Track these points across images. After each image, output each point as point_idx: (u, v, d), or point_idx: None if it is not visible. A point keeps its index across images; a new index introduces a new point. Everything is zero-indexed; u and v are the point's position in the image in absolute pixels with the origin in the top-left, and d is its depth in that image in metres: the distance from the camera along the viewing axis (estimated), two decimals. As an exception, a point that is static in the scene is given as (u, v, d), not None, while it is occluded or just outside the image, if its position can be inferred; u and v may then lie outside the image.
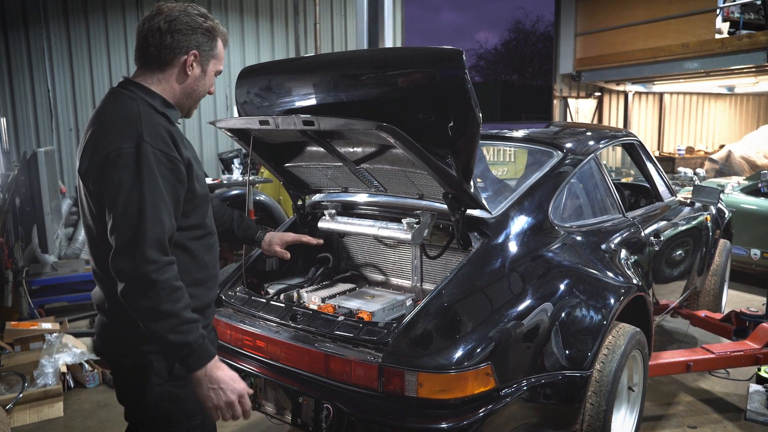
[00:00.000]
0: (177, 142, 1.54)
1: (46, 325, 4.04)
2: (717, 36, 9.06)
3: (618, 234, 2.84)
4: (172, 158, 1.50)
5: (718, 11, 9.17)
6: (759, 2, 10.03)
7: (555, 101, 12.09)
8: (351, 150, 2.43)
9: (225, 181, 6.38)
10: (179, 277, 1.49)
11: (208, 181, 6.14)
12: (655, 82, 11.88)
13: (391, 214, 2.67)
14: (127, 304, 1.45)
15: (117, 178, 1.43)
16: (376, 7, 4.68)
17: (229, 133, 2.47)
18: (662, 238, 3.25)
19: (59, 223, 5.47)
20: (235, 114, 2.69)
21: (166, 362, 1.60)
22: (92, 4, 7.89)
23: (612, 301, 2.36)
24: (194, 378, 1.51)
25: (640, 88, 12.36)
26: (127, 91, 1.58)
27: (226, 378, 1.53)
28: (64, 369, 3.62)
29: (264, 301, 2.49)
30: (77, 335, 4.17)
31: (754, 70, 9.41)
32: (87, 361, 3.71)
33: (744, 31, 9.65)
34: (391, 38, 4.89)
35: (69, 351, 3.68)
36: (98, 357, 1.61)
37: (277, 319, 2.35)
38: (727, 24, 9.77)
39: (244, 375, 2.34)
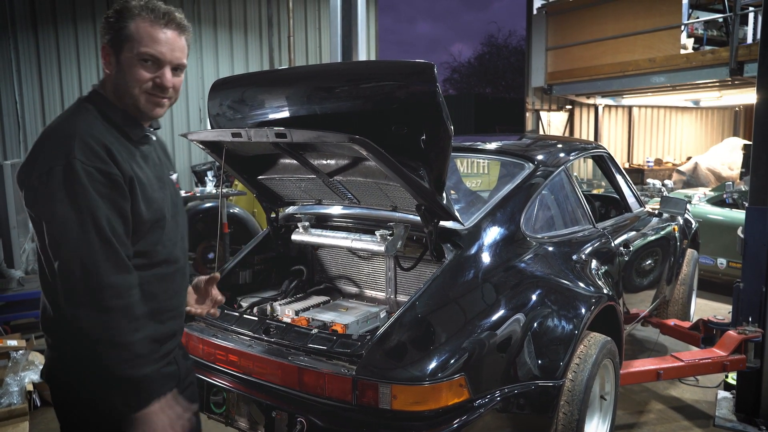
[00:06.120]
0: (116, 158, 1.38)
1: (12, 342, 3.92)
2: (682, 51, 9.34)
3: (589, 244, 2.88)
4: (110, 174, 1.35)
5: (683, 27, 9.45)
6: (721, 20, 10.38)
7: (527, 114, 12.29)
8: (324, 162, 2.43)
9: (198, 194, 6.31)
10: (141, 303, 1.37)
11: (181, 194, 6.05)
12: (624, 96, 12.16)
13: (364, 226, 2.67)
14: (75, 332, 1.32)
15: (50, 204, 1.31)
16: (349, 20, 4.70)
17: (201, 146, 2.45)
18: (632, 249, 3.31)
19: (26, 237, 5.34)
20: (208, 126, 2.67)
21: (108, 403, 1.42)
22: (61, 15, 7.78)
23: (583, 310, 2.39)
24: (142, 416, 1.37)
25: (609, 101, 12.64)
26: (86, 101, 1.49)
27: (174, 417, 1.41)
28: (30, 387, 3.51)
29: (237, 314, 2.47)
30: (45, 352, 4.06)
31: (717, 84, 9.70)
32: (54, 379, 3.61)
33: (708, 47, 9.96)
34: (365, 51, 4.91)
35: (36, 368, 3.57)
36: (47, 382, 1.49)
37: (251, 333, 2.33)
38: (692, 40, 10.08)
39: (216, 390, 2.31)
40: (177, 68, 1.49)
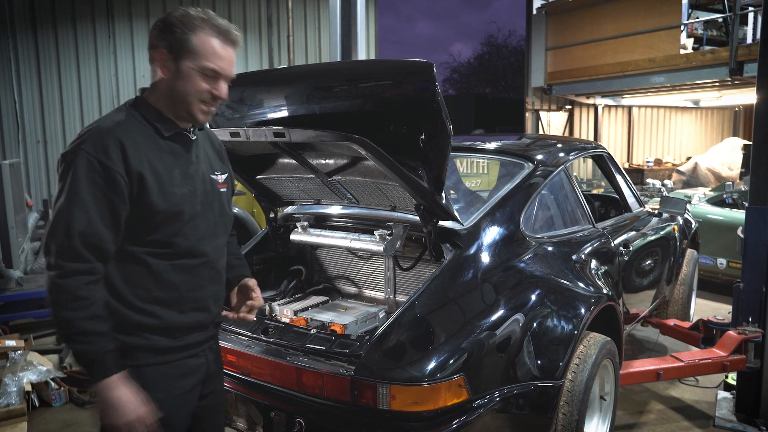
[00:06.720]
0: (127, 154, 1.47)
1: (10, 342, 3.92)
2: (682, 51, 9.33)
3: (588, 244, 2.88)
4: (109, 168, 1.45)
5: (682, 27, 9.44)
6: (720, 20, 10.38)
7: (527, 114, 12.28)
8: (323, 162, 2.42)
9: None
10: (90, 288, 1.45)
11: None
12: (624, 96, 12.16)
13: (363, 225, 2.67)
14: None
15: (59, 182, 1.49)
16: (349, 20, 4.69)
17: (199, 145, 2.44)
18: (631, 248, 3.31)
19: (25, 237, 5.33)
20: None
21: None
22: (61, 16, 7.77)
23: (583, 310, 2.38)
24: (95, 390, 1.47)
25: (609, 101, 12.63)
26: (128, 104, 1.60)
27: (125, 399, 1.46)
28: (28, 387, 3.51)
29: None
30: (43, 352, 4.06)
31: (717, 84, 9.70)
32: (53, 379, 3.61)
33: (707, 47, 9.96)
34: (364, 51, 4.91)
35: (34, 369, 3.57)
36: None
37: (249, 333, 2.32)
38: (692, 40, 10.08)
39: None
40: (228, 79, 1.60)
